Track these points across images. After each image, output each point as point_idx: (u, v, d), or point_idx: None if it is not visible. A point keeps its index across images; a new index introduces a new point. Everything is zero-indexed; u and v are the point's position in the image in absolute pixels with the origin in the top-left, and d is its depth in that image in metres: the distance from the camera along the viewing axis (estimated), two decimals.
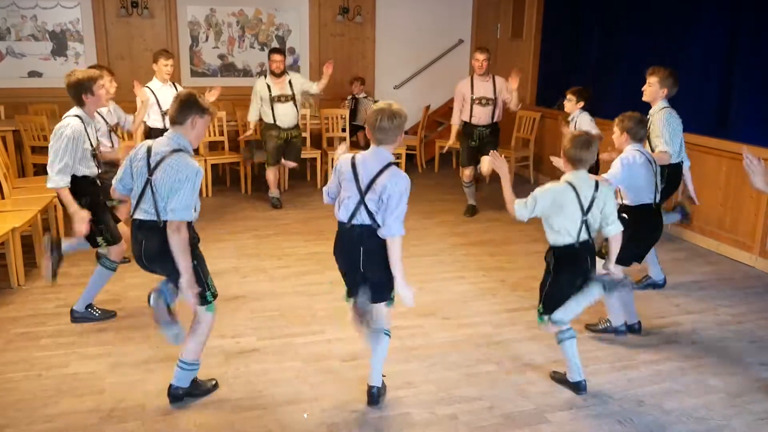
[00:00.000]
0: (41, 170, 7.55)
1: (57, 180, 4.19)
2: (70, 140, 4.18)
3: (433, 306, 4.88)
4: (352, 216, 3.32)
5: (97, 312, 4.55)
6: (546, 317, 3.71)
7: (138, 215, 3.37)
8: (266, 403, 3.57)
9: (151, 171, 3.29)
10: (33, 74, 8.83)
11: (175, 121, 3.35)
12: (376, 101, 7.99)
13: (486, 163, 6.67)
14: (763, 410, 3.60)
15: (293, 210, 7.41)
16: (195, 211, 3.39)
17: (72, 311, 4.52)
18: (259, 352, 4.14)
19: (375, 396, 3.56)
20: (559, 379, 3.85)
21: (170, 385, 3.54)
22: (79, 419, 3.40)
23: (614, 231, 3.65)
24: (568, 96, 6.00)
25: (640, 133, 4.27)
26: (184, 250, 3.26)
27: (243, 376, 3.85)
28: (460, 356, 4.14)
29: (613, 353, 4.21)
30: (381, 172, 3.28)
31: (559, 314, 3.65)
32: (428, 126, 9.90)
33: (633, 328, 4.44)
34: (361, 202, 3.29)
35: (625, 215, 4.22)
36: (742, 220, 5.95)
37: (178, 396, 3.54)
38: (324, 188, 3.54)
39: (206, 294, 3.49)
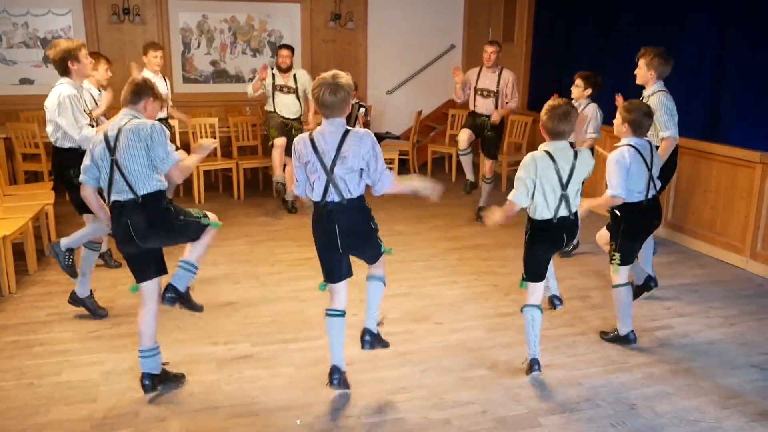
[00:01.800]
0: (32, 177, 7.56)
1: (86, 133, 4.26)
2: (74, 100, 4.27)
3: (426, 311, 4.88)
4: (324, 194, 3.37)
5: (69, 259, 4.55)
6: (526, 282, 3.89)
7: (116, 197, 3.44)
8: (259, 410, 3.57)
9: (112, 150, 3.38)
10: (24, 81, 8.80)
11: (128, 102, 3.49)
12: (364, 107, 7.99)
13: (488, 165, 6.83)
14: (755, 412, 3.62)
15: (285, 216, 7.40)
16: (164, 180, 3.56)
17: (53, 246, 4.57)
18: (251, 359, 4.13)
19: (367, 341, 3.70)
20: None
21: (168, 285, 3.65)
22: (71, 427, 3.38)
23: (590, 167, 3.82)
24: (576, 81, 5.77)
25: (643, 127, 4.13)
26: (189, 165, 3.55)
27: (236, 382, 3.85)
28: (453, 361, 4.14)
29: (605, 357, 4.22)
30: (342, 141, 3.29)
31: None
32: (421, 131, 9.92)
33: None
34: (329, 180, 3.33)
35: (617, 210, 4.23)
36: (733, 223, 5.98)
37: (173, 298, 3.66)
38: (293, 185, 3.57)
39: (203, 222, 3.65)
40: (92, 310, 4.62)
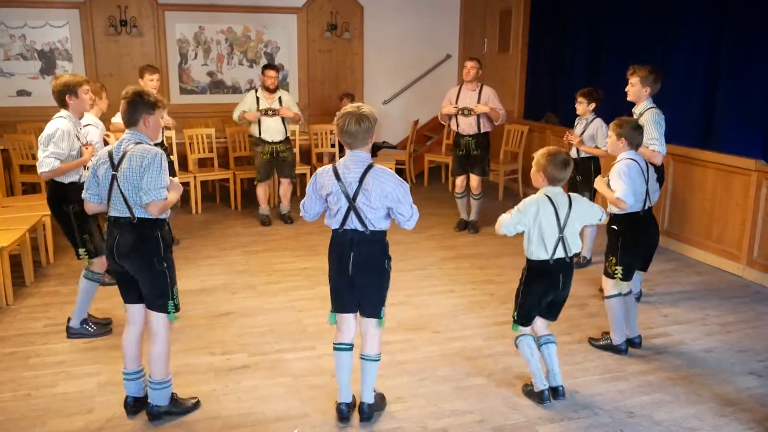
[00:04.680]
0: (30, 189, 7.56)
1: (50, 162, 4.24)
2: (63, 133, 4.26)
3: (423, 320, 4.88)
4: (344, 222, 3.34)
5: (92, 328, 4.53)
6: (518, 326, 3.77)
7: (112, 213, 3.43)
8: (256, 420, 3.56)
9: (115, 167, 3.35)
10: (21, 93, 8.83)
11: (128, 123, 3.42)
12: None
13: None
14: (753, 419, 3.62)
15: (282, 226, 7.41)
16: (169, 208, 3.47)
17: (68, 328, 4.51)
18: (249, 369, 4.12)
19: (366, 412, 3.52)
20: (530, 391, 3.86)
21: (148, 403, 3.52)
22: None
23: (603, 219, 3.77)
24: (579, 98, 5.80)
25: (637, 139, 4.21)
26: (169, 203, 3.37)
27: (233, 392, 3.84)
28: (450, 370, 4.14)
29: (603, 365, 4.23)
30: (364, 175, 3.27)
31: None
32: (417, 140, 9.95)
33: (633, 342, 4.42)
34: (351, 208, 3.30)
35: (614, 226, 4.24)
36: (728, 230, 6.00)
37: (156, 414, 3.51)
38: (301, 202, 3.49)
39: (168, 303, 3.48)
40: (95, 335, 4.54)
